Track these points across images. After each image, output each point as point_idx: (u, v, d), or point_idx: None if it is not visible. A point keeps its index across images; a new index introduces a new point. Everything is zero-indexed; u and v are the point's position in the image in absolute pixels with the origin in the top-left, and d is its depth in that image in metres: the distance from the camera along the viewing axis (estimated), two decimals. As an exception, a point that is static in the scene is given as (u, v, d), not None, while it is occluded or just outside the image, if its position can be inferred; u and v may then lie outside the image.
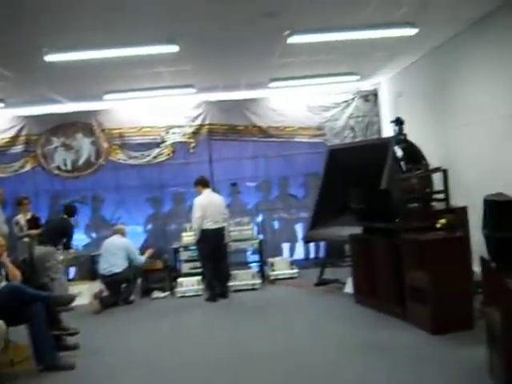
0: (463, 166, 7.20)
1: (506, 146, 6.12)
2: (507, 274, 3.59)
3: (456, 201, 6.77)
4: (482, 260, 4.20)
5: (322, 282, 8.11)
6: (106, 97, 9.07)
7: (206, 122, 10.27)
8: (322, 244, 9.64)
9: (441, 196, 6.54)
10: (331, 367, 4.82)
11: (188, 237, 8.67)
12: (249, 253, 9.63)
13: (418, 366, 4.64)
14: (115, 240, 8.31)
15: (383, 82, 10.31)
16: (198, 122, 10.26)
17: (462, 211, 6.16)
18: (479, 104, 6.84)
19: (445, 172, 6.38)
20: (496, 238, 3.08)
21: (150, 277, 8.60)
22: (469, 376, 4.29)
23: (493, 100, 6.49)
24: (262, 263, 8.92)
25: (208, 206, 7.84)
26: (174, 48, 6.54)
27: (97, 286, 8.23)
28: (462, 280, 5.38)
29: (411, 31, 6.62)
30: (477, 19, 6.55)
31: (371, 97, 10.48)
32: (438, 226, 5.79)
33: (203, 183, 8.19)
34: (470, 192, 6.42)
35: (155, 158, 10.17)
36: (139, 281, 8.46)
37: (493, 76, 6.50)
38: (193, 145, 10.28)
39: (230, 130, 10.35)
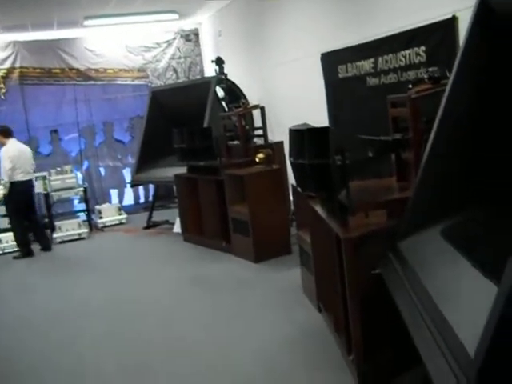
0: (280, 102, 7.54)
1: (313, 82, 6.50)
2: (311, 197, 3.88)
3: (275, 136, 7.09)
4: (293, 187, 4.49)
5: (151, 225, 8.10)
6: None
7: (17, 65, 9.40)
8: (152, 187, 9.57)
9: (260, 132, 6.79)
10: (161, 303, 4.94)
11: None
12: (76, 202, 9.23)
13: (242, 290, 4.95)
14: None
15: (204, 21, 10.27)
16: (7, 65, 9.36)
17: (279, 145, 6.49)
18: (291, 43, 7.13)
19: (262, 109, 6.61)
20: (297, 164, 3.28)
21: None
22: (287, 293, 4.69)
23: (302, 39, 6.81)
24: (89, 211, 8.63)
25: (19, 157, 7.25)
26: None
27: None
28: (279, 209, 5.73)
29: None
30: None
31: (193, 36, 10.40)
32: (257, 160, 6.03)
33: (6, 133, 7.36)
34: (286, 127, 6.73)
35: (-43, 106, 9.13)
36: None
37: (302, 17, 6.78)
38: (3, 91, 9.39)
39: (45, 74, 9.61)
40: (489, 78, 2.67)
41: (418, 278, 2.39)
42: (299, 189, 3.55)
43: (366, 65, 5.53)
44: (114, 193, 10.04)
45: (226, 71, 8.51)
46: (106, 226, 8.60)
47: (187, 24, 10.24)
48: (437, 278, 2.28)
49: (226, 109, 8.00)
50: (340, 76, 6.03)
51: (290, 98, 7.29)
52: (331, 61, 6.17)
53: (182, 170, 7.00)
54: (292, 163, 3.46)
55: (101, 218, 8.69)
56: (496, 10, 2.61)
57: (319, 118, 6.22)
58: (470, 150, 2.80)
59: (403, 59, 4.95)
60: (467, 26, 2.79)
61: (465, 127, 2.78)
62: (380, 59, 5.30)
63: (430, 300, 2.15)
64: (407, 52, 4.88)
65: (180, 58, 10.30)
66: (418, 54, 4.76)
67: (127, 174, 9.89)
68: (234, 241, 5.97)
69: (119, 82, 10.00)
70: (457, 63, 2.77)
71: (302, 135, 3.32)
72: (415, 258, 2.61)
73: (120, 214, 8.85)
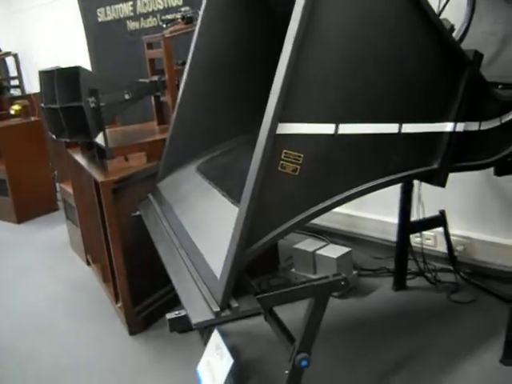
0: (37, 49, 6.94)
1: (73, 26, 6.10)
2: (71, 146, 3.65)
3: (34, 87, 6.53)
4: (51, 137, 4.17)
5: None
6: None
7: None
8: None
9: (16, 82, 6.19)
10: None
11: None
12: None
13: (3, 254, 4.54)
14: None
15: None
16: None
17: (38, 96, 6.00)
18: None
19: (15, 56, 6.00)
20: (49, 109, 3.03)
21: None
22: (54, 251, 4.41)
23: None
24: None
25: None
26: None
27: None
28: (41, 164, 5.35)
29: None
30: None
31: None
32: (13, 112, 5.51)
33: None
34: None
35: None
36: None
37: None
38: None
39: None
40: (235, 16, 2.74)
41: (174, 213, 2.40)
42: (54, 136, 3.29)
43: (125, 8, 5.33)
44: None
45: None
46: None
47: None
48: (191, 211, 2.32)
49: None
50: (100, 20, 5.72)
51: (49, 43, 6.73)
52: (90, 3, 5.81)
53: None
54: (43, 109, 3.19)
55: None
56: None
57: (82, 63, 5.88)
58: (223, 86, 2.87)
59: (161, 2, 4.87)
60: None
61: (215, 65, 2.83)
62: (139, 2, 5.15)
63: (184, 233, 2.18)
64: (164, -6, 4.82)
65: None
66: (175, -3, 4.72)
67: None
68: (-7, 202, 5.43)
69: None
70: (204, 3, 2.77)
71: (52, 77, 3.05)
72: (173, 196, 2.61)
73: None
